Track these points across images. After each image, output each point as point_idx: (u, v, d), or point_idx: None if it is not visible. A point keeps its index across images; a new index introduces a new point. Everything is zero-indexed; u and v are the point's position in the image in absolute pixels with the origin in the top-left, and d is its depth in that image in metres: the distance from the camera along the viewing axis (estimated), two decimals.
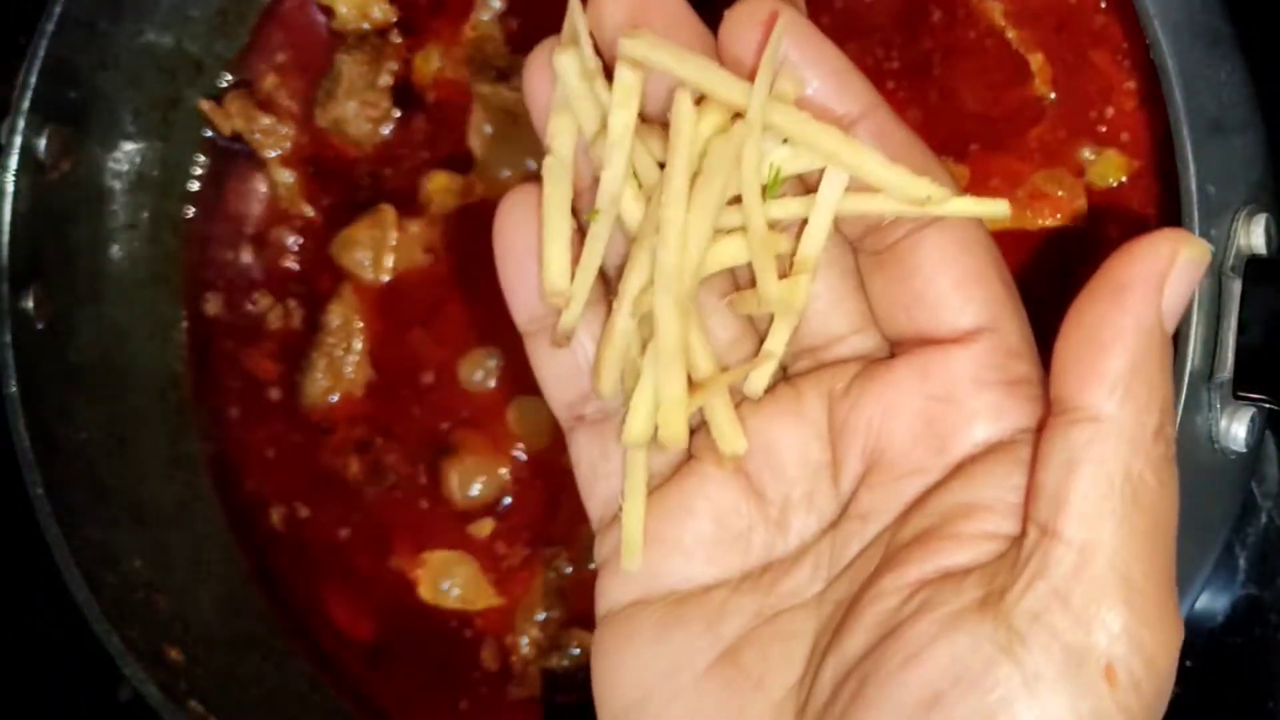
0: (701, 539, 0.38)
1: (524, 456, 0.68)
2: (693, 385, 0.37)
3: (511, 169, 0.69)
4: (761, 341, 0.38)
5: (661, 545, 0.38)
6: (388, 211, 0.70)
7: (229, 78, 0.74)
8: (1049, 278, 0.60)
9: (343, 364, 0.71)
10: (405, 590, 0.69)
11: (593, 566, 0.67)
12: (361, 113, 0.70)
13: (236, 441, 0.74)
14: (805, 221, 0.37)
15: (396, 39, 0.72)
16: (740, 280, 0.39)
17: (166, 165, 0.74)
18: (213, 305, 0.74)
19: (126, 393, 0.72)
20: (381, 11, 0.72)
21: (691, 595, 0.38)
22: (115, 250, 0.72)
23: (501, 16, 0.70)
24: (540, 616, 0.66)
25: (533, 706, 0.66)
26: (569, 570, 0.66)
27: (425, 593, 0.69)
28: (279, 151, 0.73)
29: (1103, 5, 0.59)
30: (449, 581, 0.69)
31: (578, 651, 0.65)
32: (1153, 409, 0.33)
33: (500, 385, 0.69)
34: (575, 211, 0.39)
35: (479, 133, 0.69)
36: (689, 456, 0.39)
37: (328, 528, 0.71)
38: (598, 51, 0.37)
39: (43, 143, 0.67)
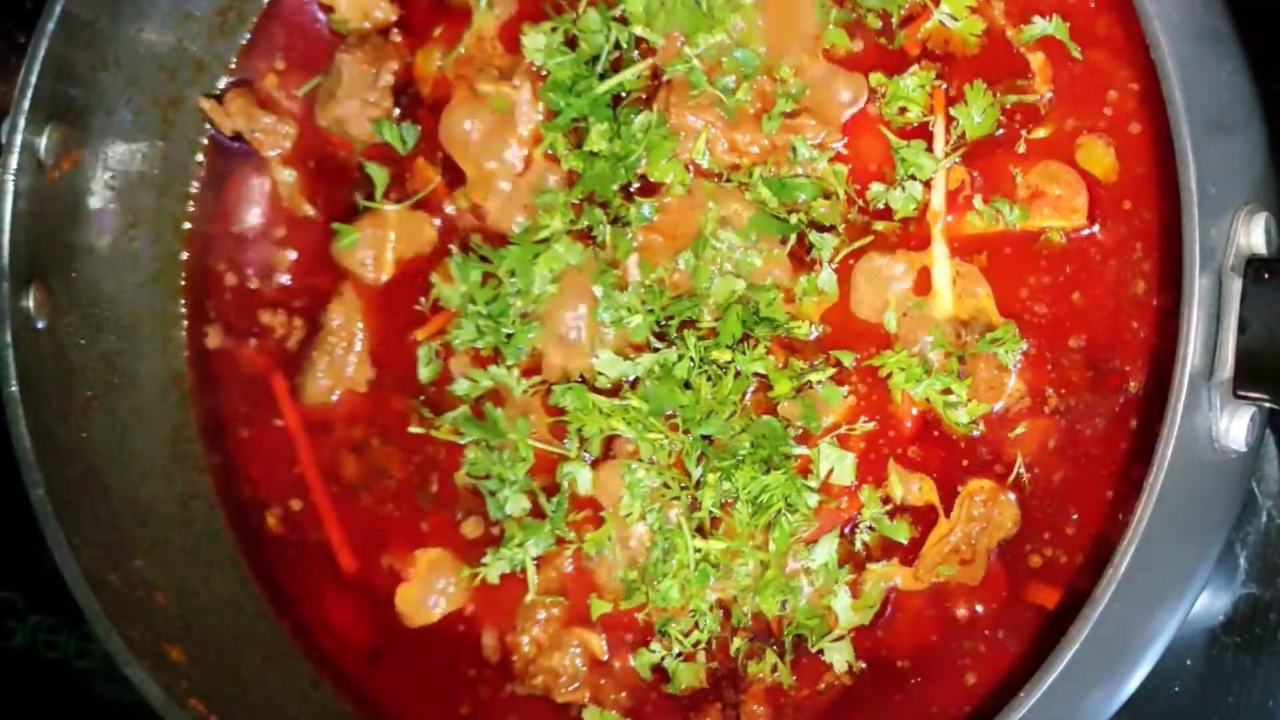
0: None
1: None
2: None
3: (496, 164, 0.68)
4: None
5: None
6: (389, 211, 0.70)
7: (230, 77, 0.75)
8: (1049, 276, 0.60)
9: (344, 363, 0.71)
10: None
11: (593, 564, 0.67)
12: (362, 112, 0.70)
13: (237, 441, 0.74)
14: None
15: (397, 38, 0.71)
16: None
17: (167, 164, 0.74)
18: (213, 305, 0.74)
19: (126, 393, 0.72)
20: (382, 11, 0.72)
21: None
22: (115, 250, 0.72)
23: (501, 17, 0.70)
24: (541, 615, 0.66)
25: (534, 704, 0.66)
26: (569, 569, 0.66)
27: (407, 610, 0.69)
28: (279, 150, 0.73)
29: (1103, 5, 0.59)
30: (437, 590, 0.68)
31: (578, 650, 0.65)
32: None
33: None
34: None
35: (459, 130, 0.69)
36: None
37: (325, 526, 0.71)
38: None
39: (43, 142, 0.67)
